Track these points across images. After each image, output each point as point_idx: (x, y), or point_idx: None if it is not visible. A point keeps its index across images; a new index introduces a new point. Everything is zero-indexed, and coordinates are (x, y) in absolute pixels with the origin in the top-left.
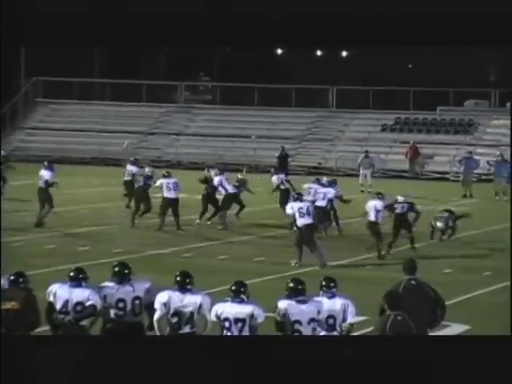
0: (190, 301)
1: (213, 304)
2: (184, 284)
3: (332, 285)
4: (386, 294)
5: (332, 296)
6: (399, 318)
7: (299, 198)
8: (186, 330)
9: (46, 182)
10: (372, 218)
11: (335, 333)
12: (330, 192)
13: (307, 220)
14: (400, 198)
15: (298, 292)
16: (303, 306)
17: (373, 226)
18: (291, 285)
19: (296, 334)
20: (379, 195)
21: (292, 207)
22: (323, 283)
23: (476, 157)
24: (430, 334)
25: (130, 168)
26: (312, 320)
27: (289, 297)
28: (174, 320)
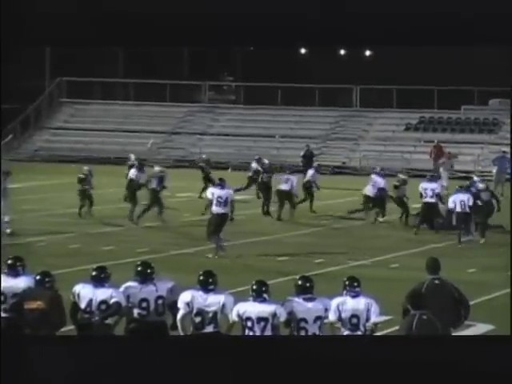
0: (213, 300)
1: (235, 303)
2: (207, 284)
3: (355, 284)
4: (409, 294)
5: (355, 295)
6: (424, 317)
7: (221, 185)
8: (209, 329)
9: (158, 187)
10: (466, 209)
11: (359, 332)
12: (437, 187)
13: (222, 209)
14: (476, 179)
15: (305, 290)
16: (310, 304)
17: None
18: (299, 282)
19: (302, 332)
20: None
21: (213, 193)
22: (347, 283)
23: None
24: (454, 334)
25: (253, 165)
26: (318, 318)
27: (297, 294)
28: (197, 319)
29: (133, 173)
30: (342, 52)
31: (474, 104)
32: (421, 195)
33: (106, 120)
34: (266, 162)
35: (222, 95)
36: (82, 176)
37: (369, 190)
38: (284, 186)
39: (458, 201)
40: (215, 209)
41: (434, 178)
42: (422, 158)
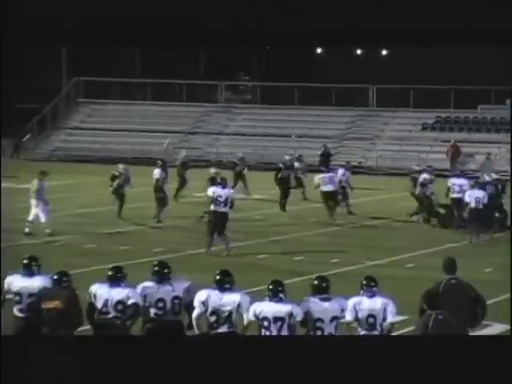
0: (229, 300)
1: (251, 303)
2: (223, 283)
3: (373, 284)
4: (424, 294)
5: (372, 295)
6: (440, 316)
7: (222, 184)
8: (224, 329)
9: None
10: (480, 205)
11: (375, 332)
12: (466, 184)
13: (222, 209)
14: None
15: (321, 290)
16: (326, 304)
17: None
18: (315, 282)
19: (318, 331)
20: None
21: (213, 192)
22: (364, 282)
23: None
24: (471, 334)
25: (296, 164)
26: (335, 318)
27: (313, 294)
28: (212, 319)
29: (157, 173)
30: (359, 51)
31: (490, 103)
32: (448, 189)
33: (122, 120)
34: (288, 157)
35: (238, 95)
36: (115, 173)
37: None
38: (328, 187)
39: (474, 197)
40: (214, 207)
41: (463, 174)
42: (439, 158)
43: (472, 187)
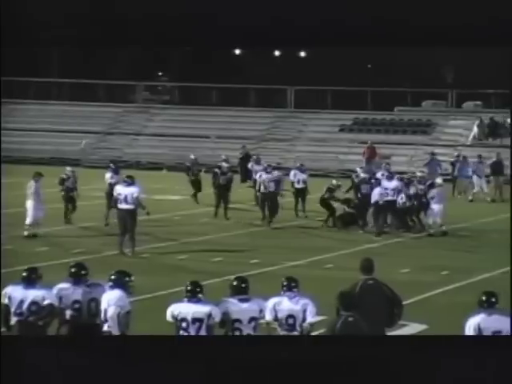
0: (104, 297)
1: (168, 304)
2: (109, 281)
3: (293, 284)
4: (339, 295)
5: (293, 296)
6: (350, 319)
7: (127, 182)
8: (105, 327)
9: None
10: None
11: (295, 333)
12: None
13: (125, 206)
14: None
15: (240, 290)
16: (245, 305)
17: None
18: (234, 283)
19: (236, 332)
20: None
21: (116, 190)
22: (284, 283)
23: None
24: (387, 334)
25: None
26: (253, 319)
27: (232, 295)
28: (101, 316)
29: (109, 176)
30: (277, 53)
31: (407, 105)
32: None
33: (39, 120)
34: (226, 165)
35: (156, 95)
36: (63, 177)
37: None
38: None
39: (379, 194)
40: (118, 205)
41: (393, 176)
42: (356, 159)
43: (378, 184)
